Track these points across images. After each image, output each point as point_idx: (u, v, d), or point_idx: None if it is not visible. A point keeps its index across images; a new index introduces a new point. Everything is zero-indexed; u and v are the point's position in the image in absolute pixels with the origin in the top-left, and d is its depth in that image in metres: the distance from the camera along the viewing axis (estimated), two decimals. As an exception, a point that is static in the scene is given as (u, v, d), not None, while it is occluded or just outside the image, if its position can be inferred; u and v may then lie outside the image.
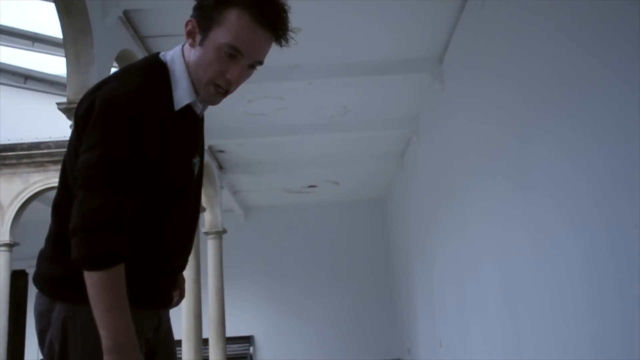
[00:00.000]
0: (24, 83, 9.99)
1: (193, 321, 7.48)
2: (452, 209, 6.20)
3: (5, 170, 8.79)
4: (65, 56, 4.42)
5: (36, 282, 1.56)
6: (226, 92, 1.60)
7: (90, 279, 1.38)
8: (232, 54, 1.50)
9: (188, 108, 1.58)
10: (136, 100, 1.45)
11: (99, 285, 1.37)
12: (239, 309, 11.85)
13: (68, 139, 1.62)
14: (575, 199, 3.19)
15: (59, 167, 1.62)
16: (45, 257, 1.55)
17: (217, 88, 1.56)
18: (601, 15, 2.81)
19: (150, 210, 1.51)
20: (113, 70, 4.62)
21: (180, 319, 7.32)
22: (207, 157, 8.46)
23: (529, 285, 4.01)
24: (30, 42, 9.54)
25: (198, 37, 1.53)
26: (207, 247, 9.28)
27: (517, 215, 4.17)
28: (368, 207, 12.96)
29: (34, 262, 1.61)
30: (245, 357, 12.23)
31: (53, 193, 1.62)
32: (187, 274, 7.44)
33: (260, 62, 1.58)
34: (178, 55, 1.58)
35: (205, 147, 8.29)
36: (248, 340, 12.50)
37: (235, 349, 11.97)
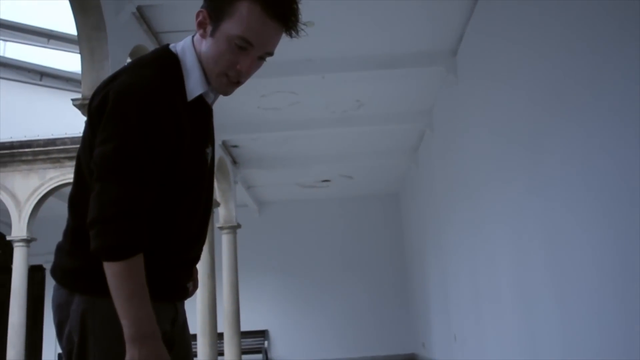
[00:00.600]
0: (40, 80, 10.09)
1: (208, 316, 7.52)
2: (467, 203, 6.17)
3: (21, 167, 8.88)
4: (80, 52, 4.45)
5: (54, 275, 1.58)
6: (238, 83, 1.60)
7: (110, 269, 1.39)
8: (243, 45, 1.51)
9: (200, 98, 1.59)
10: (150, 91, 1.46)
11: (119, 275, 1.39)
12: (254, 304, 11.90)
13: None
14: (590, 195, 3.16)
15: (74, 163, 1.63)
16: (64, 251, 1.57)
17: (228, 79, 1.57)
18: (619, 11, 2.77)
19: (166, 200, 1.52)
20: (127, 66, 4.63)
21: (195, 314, 7.36)
22: (221, 152, 8.49)
23: (543, 280, 3.98)
24: (45, 40, 9.63)
25: (209, 28, 1.53)
26: (222, 242, 9.32)
27: (531, 211, 4.14)
28: (382, 201, 12.94)
29: (51, 257, 1.63)
30: (260, 351, 12.29)
31: (69, 189, 1.63)
32: (202, 268, 7.48)
33: (271, 54, 1.57)
34: (189, 46, 1.59)
35: (219, 142, 8.33)
36: (263, 334, 12.56)
37: (250, 343, 12.04)
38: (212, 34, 1.53)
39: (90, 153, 1.49)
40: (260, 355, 12.24)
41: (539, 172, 3.96)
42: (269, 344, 12.59)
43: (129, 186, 1.41)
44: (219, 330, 8.04)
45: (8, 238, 8.89)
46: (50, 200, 9.14)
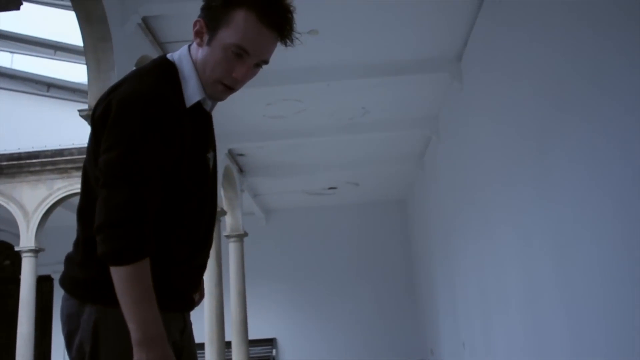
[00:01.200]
0: (47, 91, 10.15)
1: (216, 324, 7.52)
2: (474, 209, 6.15)
3: (29, 177, 8.93)
4: (86, 63, 4.49)
5: (64, 285, 1.58)
6: (233, 89, 1.63)
7: (117, 274, 1.41)
8: (239, 53, 1.54)
9: (198, 105, 1.62)
10: (152, 98, 1.49)
11: (126, 279, 1.40)
12: (261, 312, 11.88)
13: (89, 144, 1.64)
14: (597, 199, 3.15)
15: (81, 173, 1.64)
16: (75, 261, 1.58)
17: (224, 86, 1.60)
18: (626, 13, 2.77)
19: (171, 205, 1.54)
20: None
21: (202, 322, 7.36)
22: (227, 161, 8.51)
23: (552, 286, 3.96)
24: (52, 51, 9.69)
25: (206, 37, 1.57)
26: (229, 251, 9.33)
27: (538, 216, 4.13)
28: (388, 208, 12.92)
29: (59, 267, 1.64)
30: (268, 360, 12.28)
31: (77, 199, 1.65)
32: (209, 277, 7.48)
33: (266, 62, 1.61)
34: (185, 55, 1.62)
35: (225, 151, 8.32)
36: (271, 342, 12.53)
37: (258, 351, 12.01)
38: (209, 43, 1.57)
39: (95, 162, 1.50)
40: (268, 364, 12.22)
41: (546, 176, 3.95)
42: (277, 352, 12.56)
43: (135, 192, 1.43)
44: (227, 338, 8.03)
45: (16, 248, 8.93)
46: (58, 210, 9.18)
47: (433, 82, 6.81)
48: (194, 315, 1.75)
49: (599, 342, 3.27)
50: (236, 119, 7.37)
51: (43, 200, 8.89)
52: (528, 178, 4.33)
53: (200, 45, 1.59)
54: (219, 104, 1.73)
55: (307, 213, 12.81)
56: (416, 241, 11.85)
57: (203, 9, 1.58)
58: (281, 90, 6.66)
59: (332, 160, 9.61)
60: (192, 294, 1.67)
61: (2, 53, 9.85)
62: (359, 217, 12.87)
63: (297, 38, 1.57)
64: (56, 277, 1.40)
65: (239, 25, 1.51)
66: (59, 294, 1.47)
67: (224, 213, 8.34)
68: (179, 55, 1.63)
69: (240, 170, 9.60)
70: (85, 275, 1.54)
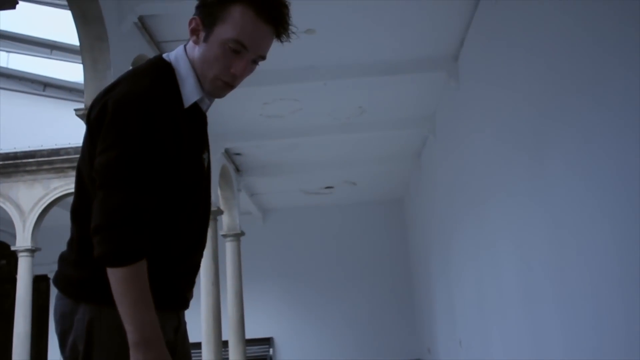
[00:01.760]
0: (43, 90, 10.14)
1: (212, 323, 7.51)
2: (471, 208, 6.17)
3: (25, 177, 8.91)
4: (83, 63, 4.48)
5: (58, 285, 1.58)
6: (232, 86, 1.63)
7: (114, 275, 1.41)
8: (237, 49, 1.54)
9: (195, 105, 1.62)
10: (148, 99, 1.48)
11: (123, 281, 1.40)
12: (258, 311, 11.88)
13: (86, 144, 1.64)
14: (594, 199, 3.16)
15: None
16: (69, 261, 1.57)
17: (222, 82, 1.60)
18: (623, 14, 2.77)
19: (166, 205, 1.54)
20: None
21: (199, 321, 7.36)
22: (224, 160, 8.50)
23: (549, 285, 3.97)
24: (48, 50, 9.68)
25: (202, 34, 1.57)
26: (226, 250, 9.32)
27: (535, 215, 4.14)
28: (385, 207, 12.93)
29: (56, 267, 1.63)
30: (265, 359, 12.26)
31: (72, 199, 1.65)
32: (206, 276, 7.48)
33: (263, 57, 1.61)
34: (181, 54, 1.62)
35: (222, 150, 8.32)
36: (268, 342, 12.53)
37: (255, 350, 12.01)
38: (206, 40, 1.57)
39: (90, 163, 1.50)
40: (265, 363, 12.23)
41: (542, 175, 3.96)
42: (274, 351, 12.56)
43: (132, 193, 1.43)
44: (224, 338, 8.03)
45: (12, 248, 8.91)
46: (55, 210, 9.16)
47: (430, 82, 6.81)
48: (190, 314, 1.75)
49: (594, 341, 3.28)
50: (233, 118, 7.36)
51: (39, 200, 8.87)
52: (524, 176, 4.34)
53: (196, 43, 1.59)
54: (216, 102, 1.73)
55: (304, 212, 12.82)
56: (413, 240, 11.86)
57: (198, 6, 1.58)
58: (278, 90, 6.65)
59: (329, 159, 9.61)
60: (186, 293, 1.67)
61: (-2, 52, 9.84)
62: (356, 217, 12.88)
63: (293, 33, 1.58)
64: (52, 276, 1.40)
65: (236, 21, 1.52)
66: (55, 294, 1.46)
67: (220, 212, 8.33)
68: (175, 55, 1.63)
69: (237, 170, 9.60)
70: (79, 275, 1.54)
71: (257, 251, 11.88)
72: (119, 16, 4.64)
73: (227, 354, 8.87)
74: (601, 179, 3.06)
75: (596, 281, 3.20)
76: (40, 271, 10.17)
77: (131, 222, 1.41)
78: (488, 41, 5.06)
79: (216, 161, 7.84)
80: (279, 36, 1.57)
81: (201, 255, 1.71)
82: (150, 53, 5.19)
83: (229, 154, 8.90)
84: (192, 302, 1.73)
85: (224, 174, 8.68)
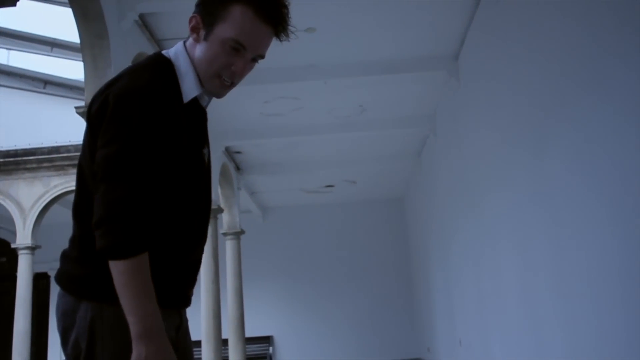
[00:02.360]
0: (44, 88, 10.13)
1: (212, 322, 7.52)
2: (471, 207, 6.17)
3: (26, 174, 8.91)
4: (83, 60, 4.48)
5: (60, 282, 1.58)
6: (231, 85, 1.65)
7: (117, 268, 1.41)
8: (236, 48, 1.56)
9: (194, 101, 1.64)
10: (149, 93, 1.49)
11: (125, 273, 1.40)
12: (258, 310, 11.89)
13: (86, 140, 1.64)
14: (594, 198, 3.16)
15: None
16: (72, 258, 1.58)
17: (222, 80, 1.61)
18: (621, 14, 2.77)
19: (167, 200, 1.54)
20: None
21: (199, 320, 7.36)
22: (224, 158, 8.50)
23: (548, 283, 3.97)
24: (49, 48, 9.68)
25: (202, 33, 1.58)
26: (226, 248, 9.32)
27: (535, 214, 4.14)
28: (386, 206, 12.93)
29: (56, 264, 1.63)
30: (265, 357, 12.27)
31: (73, 196, 1.65)
32: (206, 274, 7.49)
33: (262, 56, 1.62)
34: (181, 51, 1.63)
35: (222, 149, 8.32)
36: (267, 340, 12.54)
37: (254, 349, 12.02)
38: (206, 38, 1.58)
39: (91, 157, 1.51)
40: (265, 361, 12.23)
41: (542, 174, 3.96)
42: (273, 349, 12.57)
43: (134, 186, 1.43)
44: (224, 336, 8.04)
45: (13, 246, 8.91)
46: (55, 207, 9.16)
47: (430, 80, 6.81)
48: (190, 312, 1.75)
49: (594, 340, 3.28)
50: (233, 117, 7.37)
51: (40, 198, 8.87)
52: (524, 175, 4.34)
53: (197, 41, 1.60)
54: (216, 101, 1.73)
55: (304, 211, 12.82)
56: (413, 239, 11.86)
57: (198, 5, 1.59)
58: (278, 88, 6.65)
59: (329, 158, 9.61)
60: (187, 291, 1.67)
61: (-2, 50, 9.84)
62: (356, 215, 12.89)
63: (292, 32, 1.59)
64: (53, 274, 1.41)
65: (236, 20, 1.53)
66: (55, 291, 1.47)
67: (221, 210, 8.33)
68: (175, 51, 1.64)
69: (238, 168, 9.60)
70: (81, 272, 1.54)
71: (257, 249, 11.89)
72: (120, 14, 4.64)
73: (227, 353, 8.87)
74: (601, 178, 3.06)
75: (596, 281, 3.20)
76: (41, 269, 10.18)
77: (133, 215, 1.41)
78: (489, 40, 5.06)
79: (216, 159, 7.85)
80: (278, 36, 1.58)
81: (202, 251, 1.72)
82: (150, 51, 5.19)
83: (229, 152, 8.90)
84: (192, 300, 1.74)
85: (224, 172, 8.69)
